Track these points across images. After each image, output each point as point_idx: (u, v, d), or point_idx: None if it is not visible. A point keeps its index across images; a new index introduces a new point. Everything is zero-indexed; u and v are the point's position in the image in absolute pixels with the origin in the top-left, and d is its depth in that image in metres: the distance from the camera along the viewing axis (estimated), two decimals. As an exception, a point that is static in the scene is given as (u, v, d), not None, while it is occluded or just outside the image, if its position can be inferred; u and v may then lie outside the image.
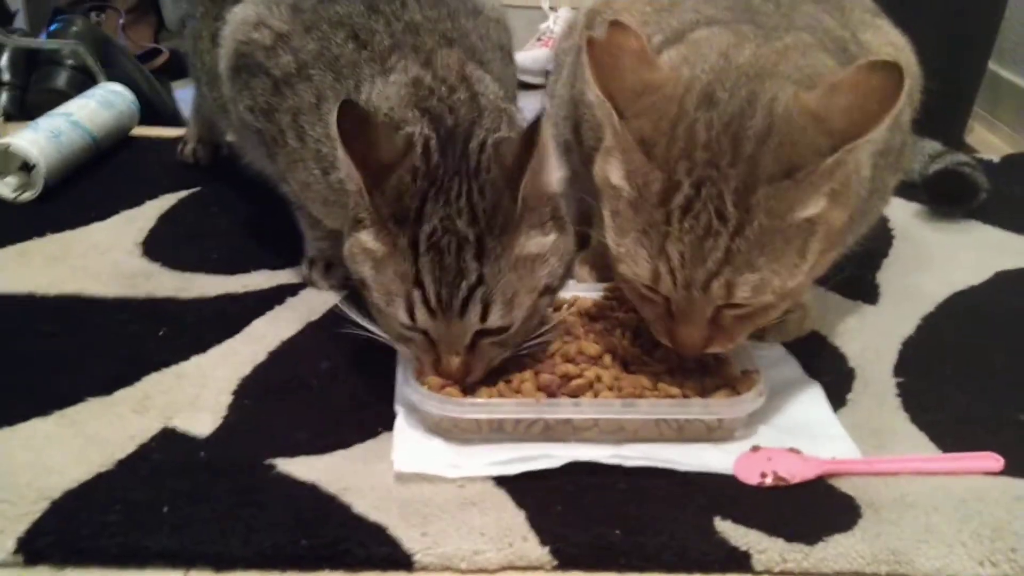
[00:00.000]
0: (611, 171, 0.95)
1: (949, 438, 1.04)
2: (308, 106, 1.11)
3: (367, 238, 0.96)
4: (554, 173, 0.98)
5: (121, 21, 2.56)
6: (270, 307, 1.24)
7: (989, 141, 2.18)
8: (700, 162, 0.89)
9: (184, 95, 2.02)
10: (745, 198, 0.88)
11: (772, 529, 0.89)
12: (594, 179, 1.00)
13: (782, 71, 0.94)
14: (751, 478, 0.96)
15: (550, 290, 1.00)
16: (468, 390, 0.99)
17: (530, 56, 2.26)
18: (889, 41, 1.16)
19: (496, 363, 1.01)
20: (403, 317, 0.96)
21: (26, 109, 1.87)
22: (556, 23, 2.50)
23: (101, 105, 1.67)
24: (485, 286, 0.94)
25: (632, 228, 0.93)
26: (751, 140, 0.89)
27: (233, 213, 1.49)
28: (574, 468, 0.95)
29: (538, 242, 0.97)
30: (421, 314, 0.95)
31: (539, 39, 2.52)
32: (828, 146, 0.87)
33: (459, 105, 1.03)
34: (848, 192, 0.94)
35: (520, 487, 0.94)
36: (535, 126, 0.93)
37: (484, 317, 0.95)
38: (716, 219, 0.88)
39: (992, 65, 2.13)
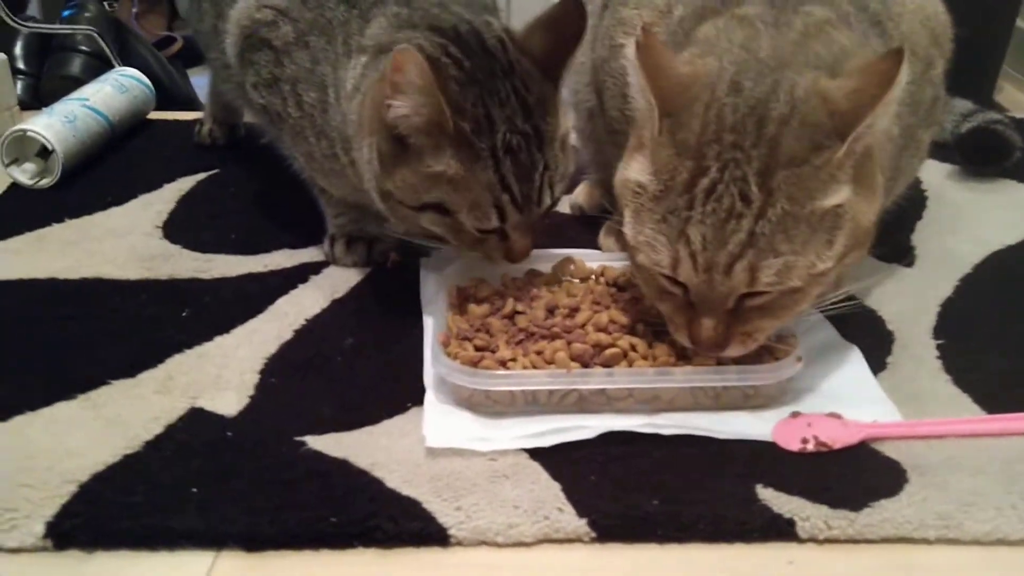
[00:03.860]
0: (634, 171, 0.94)
1: (993, 399, 1.01)
2: (305, 72, 1.13)
3: (444, 165, 0.99)
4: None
5: (134, 10, 2.56)
6: (293, 286, 1.22)
7: (1019, 100, 2.14)
8: (727, 144, 0.88)
9: (200, 82, 2.01)
10: (767, 180, 0.87)
11: (815, 496, 0.87)
12: (614, 188, 0.98)
13: (801, 61, 0.93)
14: (792, 444, 0.93)
15: None
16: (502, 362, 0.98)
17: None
18: None
19: None
20: (493, 222, 1.02)
21: (41, 96, 1.86)
22: None
23: (116, 90, 1.66)
24: (550, 170, 1.03)
25: (651, 219, 0.91)
26: (774, 121, 0.88)
27: (252, 193, 1.48)
28: (608, 438, 0.93)
29: (567, 116, 1.07)
30: (512, 214, 1.02)
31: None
32: (833, 127, 0.86)
33: (440, 13, 1.07)
34: (872, 186, 0.92)
35: (553, 459, 0.91)
36: (581, 7, 1.02)
37: (552, 197, 1.06)
38: (740, 201, 0.87)
39: (1021, 23, 2.09)
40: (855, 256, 0.94)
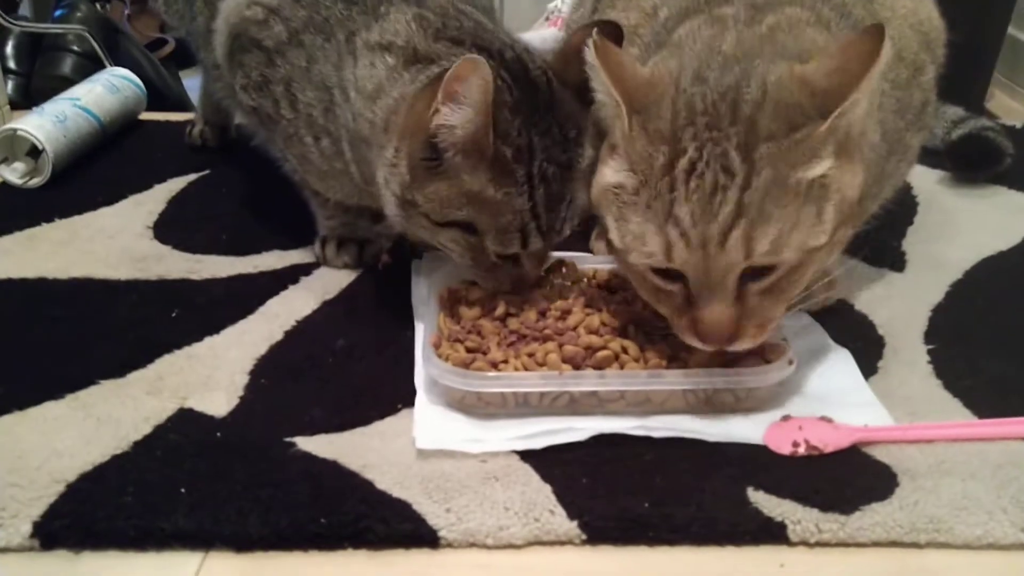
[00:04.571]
0: (609, 174, 0.92)
1: (984, 404, 1.01)
2: (300, 72, 1.11)
3: (480, 185, 0.98)
4: None
5: (126, 12, 2.55)
6: (284, 287, 1.22)
7: (1010, 107, 2.15)
8: (702, 125, 0.87)
9: (192, 84, 2.01)
10: (749, 153, 0.85)
11: (806, 499, 0.87)
12: (591, 197, 0.97)
13: (768, 52, 0.92)
14: (783, 447, 0.93)
15: None
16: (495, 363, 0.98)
17: (539, 36, 2.22)
18: None
19: None
20: (516, 247, 1.02)
21: (31, 96, 1.85)
22: (564, 2, 2.47)
23: (107, 90, 1.65)
24: (574, 201, 1.04)
25: (635, 213, 0.89)
26: (748, 104, 0.86)
27: (243, 194, 1.47)
28: (600, 440, 0.93)
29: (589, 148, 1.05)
30: (535, 241, 1.03)
31: (547, 18, 2.49)
32: (814, 106, 0.85)
33: (481, 32, 1.06)
34: (856, 159, 0.91)
35: (545, 461, 0.91)
36: (616, 31, 1.00)
37: (571, 227, 1.06)
38: (722, 174, 0.85)
39: (1012, 30, 2.10)
40: (843, 233, 0.92)
